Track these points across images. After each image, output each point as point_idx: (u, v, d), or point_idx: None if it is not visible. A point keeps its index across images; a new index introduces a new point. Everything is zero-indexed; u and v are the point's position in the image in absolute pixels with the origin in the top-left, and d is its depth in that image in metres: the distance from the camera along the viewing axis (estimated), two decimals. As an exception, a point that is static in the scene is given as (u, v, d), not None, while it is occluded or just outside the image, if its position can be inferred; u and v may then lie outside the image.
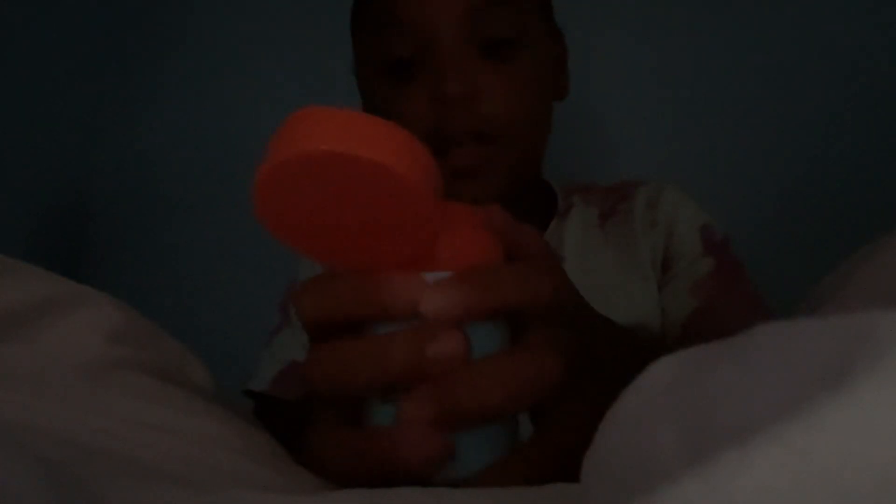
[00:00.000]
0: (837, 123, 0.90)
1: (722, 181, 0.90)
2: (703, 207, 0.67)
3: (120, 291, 0.36)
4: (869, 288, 0.27)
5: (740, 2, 0.94)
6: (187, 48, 1.10)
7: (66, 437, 0.26)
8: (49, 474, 0.21)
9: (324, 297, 0.29)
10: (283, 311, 0.68)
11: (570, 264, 0.66)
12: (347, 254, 0.28)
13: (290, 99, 1.04)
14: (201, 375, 0.37)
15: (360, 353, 0.28)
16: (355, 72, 0.67)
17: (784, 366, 0.14)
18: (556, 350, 0.29)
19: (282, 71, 1.06)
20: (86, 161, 1.08)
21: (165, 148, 1.09)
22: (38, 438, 0.25)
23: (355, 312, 0.28)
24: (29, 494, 0.19)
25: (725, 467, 0.11)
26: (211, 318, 1.01)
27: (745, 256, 0.64)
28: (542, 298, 0.29)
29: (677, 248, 0.64)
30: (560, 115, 0.64)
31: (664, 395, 0.17)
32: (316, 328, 0.29)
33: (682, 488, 0.12)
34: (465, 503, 0.24)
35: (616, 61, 0.95)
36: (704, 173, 0.91)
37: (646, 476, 0.15)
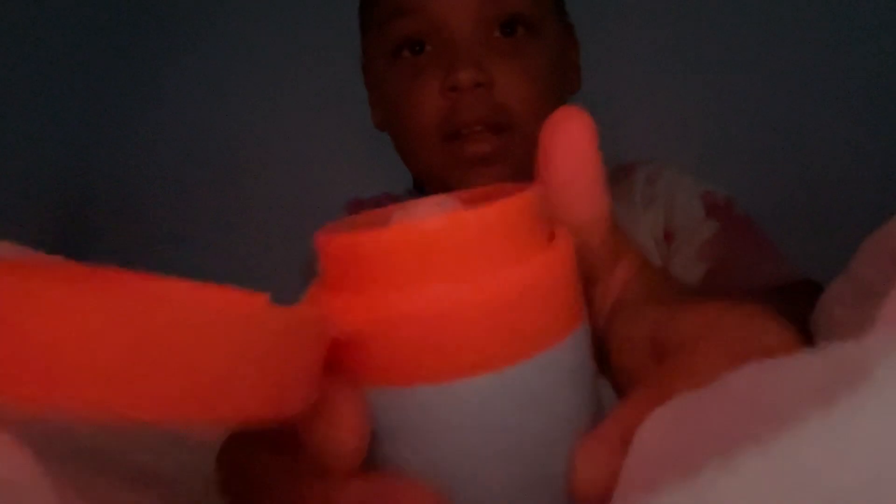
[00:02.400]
0: (845, 117, 0.87)
1: (727, 176, 0.89)
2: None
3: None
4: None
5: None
6: (194, 43, 1.10)
7: (57, 434, 0.26)
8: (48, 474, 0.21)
9: None
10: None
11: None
12: None
13: (296, 95, 1.04)
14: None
15: None
16: (363, 66, 0.67)
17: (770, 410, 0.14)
18: None
19: (287, 68, 1.06)
20: (87, 158, 1.08)
21: (169, 144, 1.09)
22: (28, 433, 0.25)
23: None
24: (32, 493, 0.19)
25: (709, 474, 0.11)
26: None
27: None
28: None
29: (679, 218, 0.63)
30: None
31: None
32: None
33: (667, 496, 0.11)
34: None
35: (621, 54, 0.93)
36: (709, 169, 0.90)
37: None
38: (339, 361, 0.18)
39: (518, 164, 0.58)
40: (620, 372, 0.21)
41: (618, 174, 0.68)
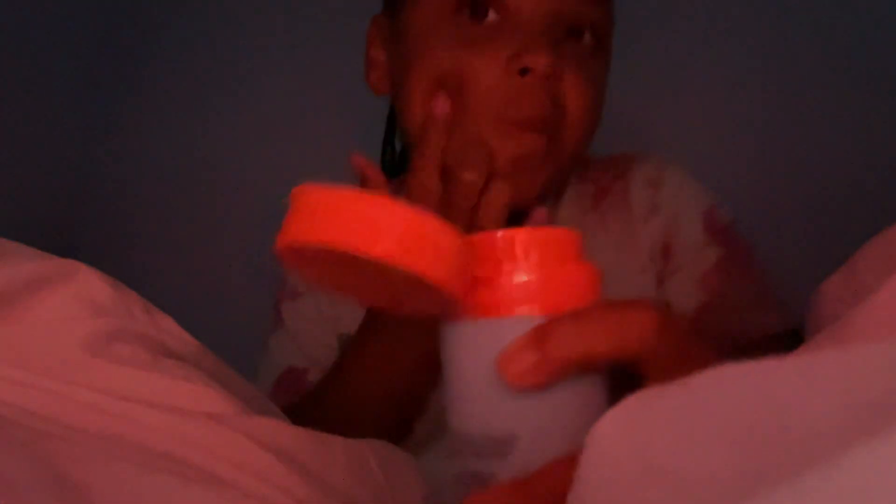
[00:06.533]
0: (849, 118, 0.88)
1: (730, 172, 0.88)
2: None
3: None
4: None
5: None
6: (189, 51, 1.09)
7: (52, 416, 0.25)
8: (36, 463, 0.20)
9: None
10: (276, 312, 0.67)
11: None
12: (389, 302, 0.28)
13: (291, 104, 1.03)
14: (194, 348, 0.35)
15: None
16: (374, 19, 0.60)
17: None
18: None
19: (283, 77, 1.06)
20: (83, 165, 1.07)
21: (163, 151, 1.08)
22: (25, 419, 0.25)
23: None
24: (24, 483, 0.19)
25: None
26: (204, 320, 0.99)
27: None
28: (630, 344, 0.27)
29: (682, 236, 0.59)
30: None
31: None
32: None
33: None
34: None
35: (630, 57, 0.94)
36: (714, 164, 0.90)
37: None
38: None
39: (552, 171, 0.54)
40: None
41: (613, 170, 0.64)
